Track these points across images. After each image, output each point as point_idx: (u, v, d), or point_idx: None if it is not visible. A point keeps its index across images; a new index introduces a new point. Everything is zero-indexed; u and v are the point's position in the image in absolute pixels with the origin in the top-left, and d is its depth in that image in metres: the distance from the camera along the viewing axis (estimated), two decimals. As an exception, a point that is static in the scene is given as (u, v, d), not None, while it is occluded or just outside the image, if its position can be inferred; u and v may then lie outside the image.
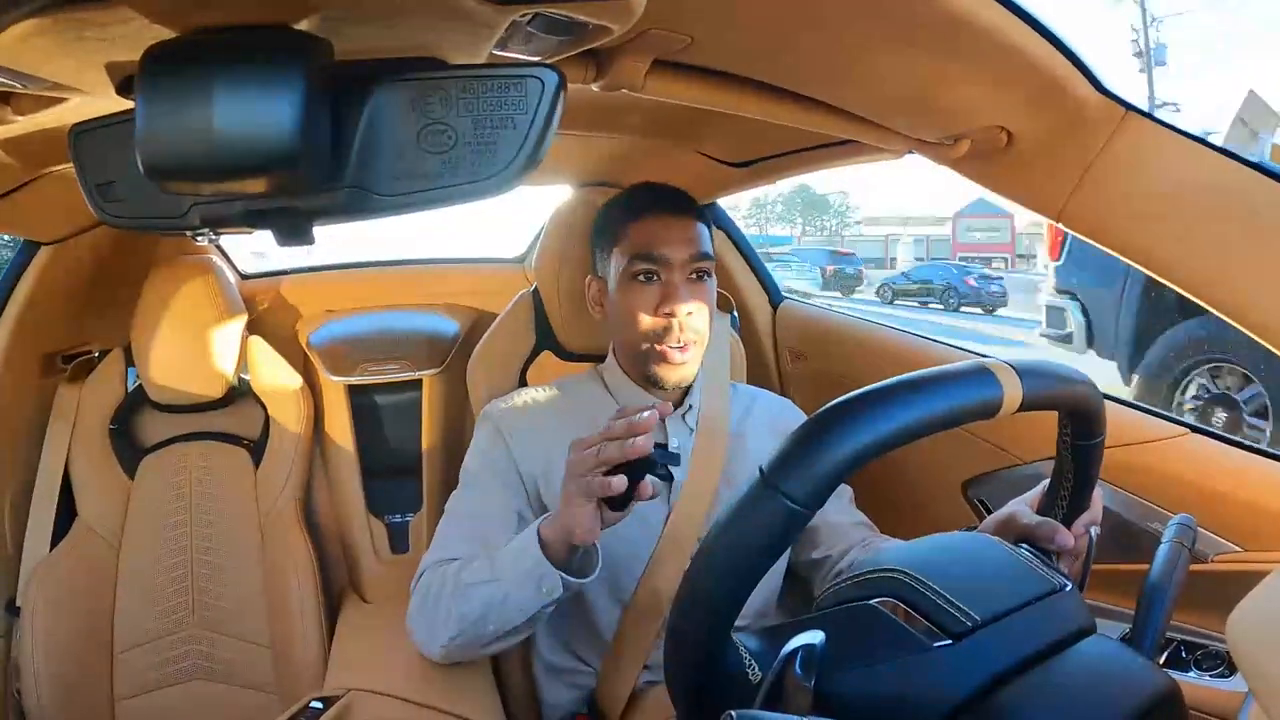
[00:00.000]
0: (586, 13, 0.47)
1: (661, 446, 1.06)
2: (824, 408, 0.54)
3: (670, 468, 1.05)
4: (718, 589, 0.54)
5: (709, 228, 1.08)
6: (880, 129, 0.84)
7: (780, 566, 1.12)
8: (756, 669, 0.57)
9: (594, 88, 0.67)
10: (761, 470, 0.52)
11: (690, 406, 1.11)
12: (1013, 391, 0.57)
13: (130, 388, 1.53)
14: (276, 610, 1.48)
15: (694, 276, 1.04)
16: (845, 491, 1.15)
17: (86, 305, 1.54)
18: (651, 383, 1.07)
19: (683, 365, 1.04)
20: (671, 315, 1.02)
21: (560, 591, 0.89)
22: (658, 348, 1.03)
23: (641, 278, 1.03)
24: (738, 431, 1.12)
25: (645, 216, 1.05)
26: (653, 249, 1.03)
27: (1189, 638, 0.94)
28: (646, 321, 1.03)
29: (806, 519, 0.52)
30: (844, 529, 1.09)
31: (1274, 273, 0.69)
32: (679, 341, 1.03)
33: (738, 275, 1.69)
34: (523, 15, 0.46)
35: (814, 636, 0.52)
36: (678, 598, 0.56)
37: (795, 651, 0.52)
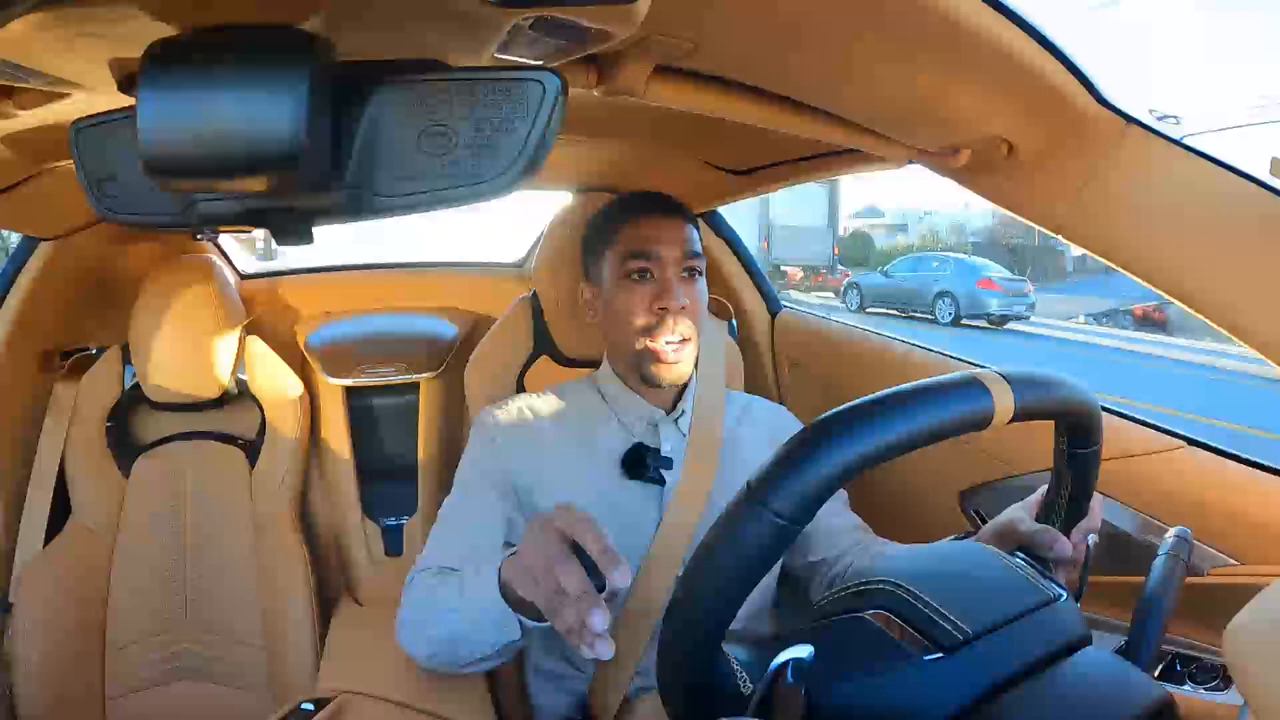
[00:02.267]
0: (589, 17, 0.47)
1: (655, 451, 1.06)
2: (811, 423, 0.53)
3: (663, 472, 1.06)
4: (706, 604, 0.54)
5: (698, 230, 1.10)
6: (881, 138, 0.84)
7: (773, 571, 1.11)
8: (748, 681, 0.57)
9: (595, 93, 0.67)
10: (749, 485, 0.52)
11: (684, 411, 1.11)
12: (1005, 402, 0.57)
13: (127, 386, 1.53)
14: (270, 611, 1.48)
15: (686, 275, 1.06)
16: (840, 494, 1.15)
17: (85, 302, 1.54)
18: (646, 382, 1.07)
19: (678, 364, 1.05)
20: (665, 311, 1.03)
21: (519, 635, 0.86)
22: (652, 346, 1.04)
23: (635, 275, 1.05)
24: (732, 437, 1.12)
25: (637, 218, 1.07)
26: (646, 247, 1.05)
27: (1185, 650, 0.94)
28: (641, 319, 1.04)
29: (794, 534, 0.51)
30: (839, 533, 1.09)
31: (1273, 285, 0.70)
32: (674, 335, 1.04)
33: (736, 283, 1.69)
34: (525, 18, 0.46)
35: (803, 650, 0.52)
36: (668, 612, 0.56)
37: (784, 665, 0.52)
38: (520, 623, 0.85)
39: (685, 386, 1.12)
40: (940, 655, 0.55)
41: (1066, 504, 0.74)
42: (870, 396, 0.54)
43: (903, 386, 0.55)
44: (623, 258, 1.05)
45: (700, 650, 0.55)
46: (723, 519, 0.53)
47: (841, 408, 0.53)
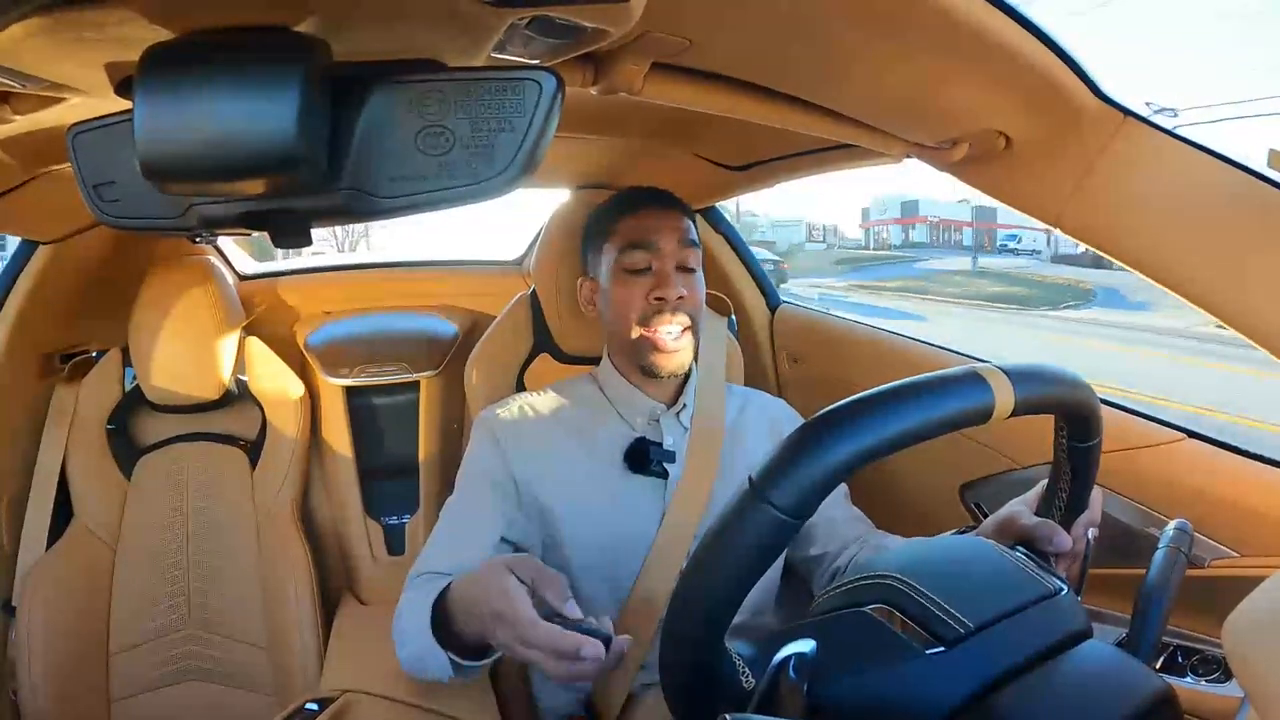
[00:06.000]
0: (585, 16, 0.47)
1: (657, 444, 1.07)
2: (812, 417, 0.53)
3: (665, 465, 1.06)
4: (709, 599, 0.53)
5: (694, 223, 1.11)
6: (878, 133, 0.84)
7: (776, 565, 1.12)
8: (750, 676, 0.57)
9: (592, 91, 0.67)
10: (751, 480, 0.52)
11: (685, 405, 1.11)
12: (1005, 397, 0.57)
13: (128, 388, 1.53)
14: (273, 611, 1.48)
15: (683, 268, 1.07)
16: (841, 488, 1.15)
17: (84, 305, 1.54)
18: (646, 373, 1.07)
19: (677, 353, 1.05)
20: (664, 301, 1.04)
21: (450, 674, 0.86)
22: (650, 336, 1.04)
23: (633, 267, 1.06)
24: (733, 430, 1.12)
25: (635, 211, 1.09)
26: (644, 238, 1.06)
27: (1185, 642, 0.94)
28: (639, 309, 1.05)
29: (796, 529, 0.51)
30: (841, 526, 1.09)
31: (1271, 278, 0.70)
32: (672, 325, 1.04)
33: (735, 279, 1.69)
34: (521, 18, 0.46)
35: (805, 645, 0.52)
36: (671, 606, 0.56)
37: (787, 659, 0.52)
38: (453, 660, 0.84)
39: (686, 380, 1.13)
40: (941, 649, 0.55)
41: (1066, 498, 0.74)
42: (871, 391, 0.54)
43: (903, 381, 0.55)
44: (620, 250, 1.06)
45: (702, 646, 0.55)
46: (725, 514, 0.53)
47: (842, 402, 0.53)
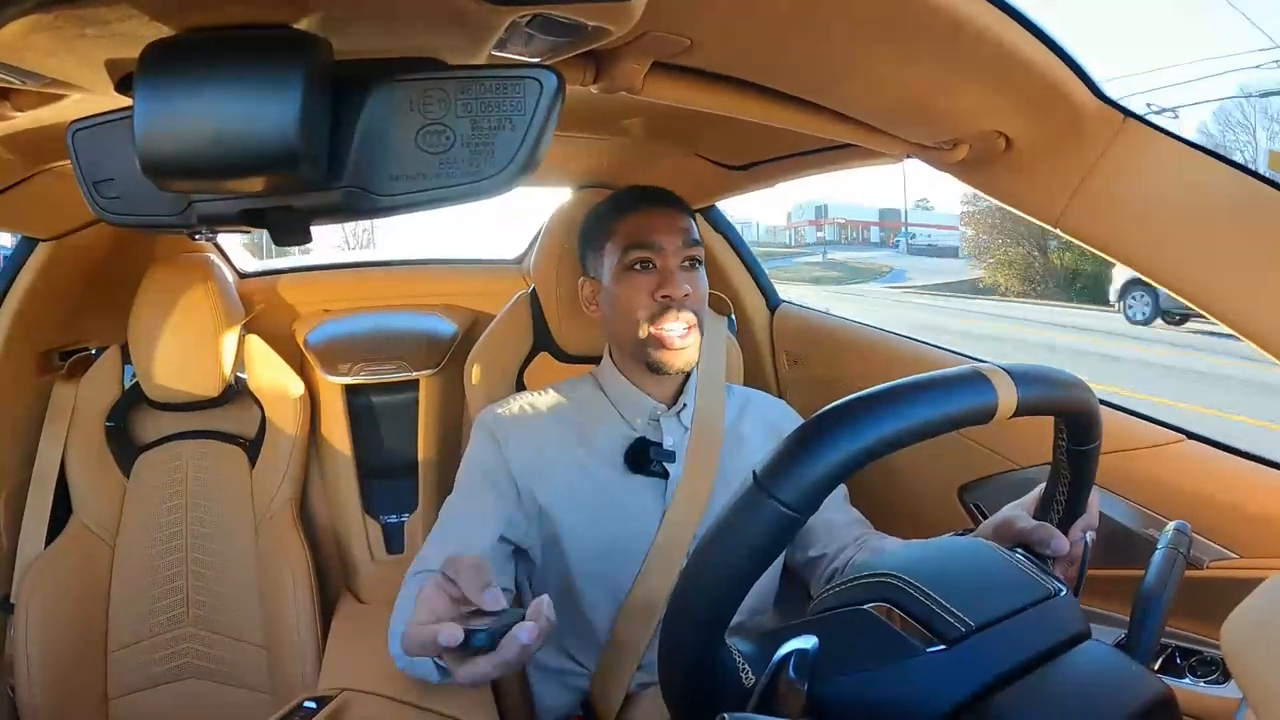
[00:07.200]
0: (586, 14, 0.47)
1: (657, 444, 1.07)
2: (818, 412, 0.53)
3: (665, 465, 1.06)
4: (711, 594, 0.53)
5: (694, 222, 1.10)
6: (878, 133, 0.84)
7: (776, 566, 1.12)
8: (750, 673, 0.57)
9: (593, 89, 0.67)
10: (755, 474, 0.52)
11: (685, 405, 1.11)
12: (1008, 397, 0.57)
13: (127, 385, 1.53)
14: (271, 610, 1.48)
15: (686, 264, 1.06)
16: (840, 489, 1.15)
17: (84, 302, 1.54)
18: (653, 370, 1.07)
19: (684, 350, 1.05)
20: (669, 298, 1.03)
21: (437, 678, 0.86)
22: (657, 333, 1.04)
23: (637, 266, 1.05)
24: (733, 430, 1.12)
25: (635, 210, 1.08)
26: (646, 237, 1.05)
27: (1184, 644, 0.94)
28: (644, 308, 1.04)
29: (800, 524, 0.51)
30: (839, 527, 1.09)
31: (1272, 280, 0.70)
32: (678, 322, 1.04)
33: (735, 279, 1.69)
34: (522, 16, 0.46)
35: (806, 642, 0.52)
36: (671, 602, 0.56)
37: (788, 656, 0.52)
38: (438, 666, 0.83)
39: (686, 380, 1.12)
40: (942, 648, 0.55)
41: (1065, 501, 0.74)
42: (877, 388, 0.54)
43: (909, 378, 0.55)
44: (623, 249, 1.06)
45: (703, 641, 0.55)
46: (728, 508, 0.53)
47: (848, 398, 0.53)
